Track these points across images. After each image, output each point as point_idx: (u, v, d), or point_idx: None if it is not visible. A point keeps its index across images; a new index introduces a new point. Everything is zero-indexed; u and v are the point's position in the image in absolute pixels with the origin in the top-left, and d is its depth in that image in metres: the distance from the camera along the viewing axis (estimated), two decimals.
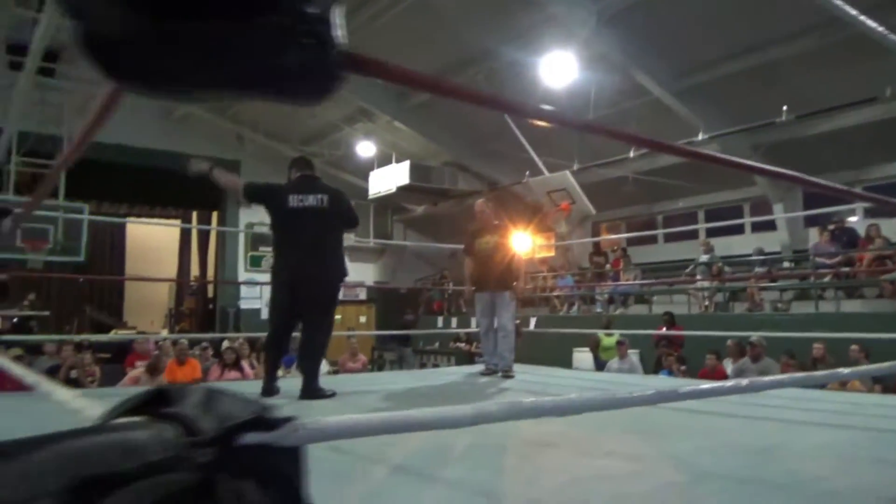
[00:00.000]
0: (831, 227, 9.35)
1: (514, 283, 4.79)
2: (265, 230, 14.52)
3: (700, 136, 9.36)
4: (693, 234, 12.84)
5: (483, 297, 4.89)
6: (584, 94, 9.55)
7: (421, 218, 16.98)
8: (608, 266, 12.76)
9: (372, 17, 9.27)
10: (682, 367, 7.17)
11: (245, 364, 7.07)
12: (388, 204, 16.54)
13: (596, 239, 14.13)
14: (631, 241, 13.50)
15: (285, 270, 3.75)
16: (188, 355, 6.81)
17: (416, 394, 4.12)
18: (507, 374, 4.77)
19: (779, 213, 11.00)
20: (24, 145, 10.93)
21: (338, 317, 16.97)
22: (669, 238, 12.85)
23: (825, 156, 10.07)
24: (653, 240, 13.27)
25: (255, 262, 14.92)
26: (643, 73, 8.95)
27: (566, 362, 10.29)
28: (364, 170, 14.32)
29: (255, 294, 14.90)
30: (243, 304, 14.70)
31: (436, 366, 13.20)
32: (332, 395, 3.72)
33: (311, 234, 3.70)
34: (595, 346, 8.60)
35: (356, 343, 9.21)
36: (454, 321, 13.97)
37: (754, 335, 6.02)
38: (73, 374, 6.04)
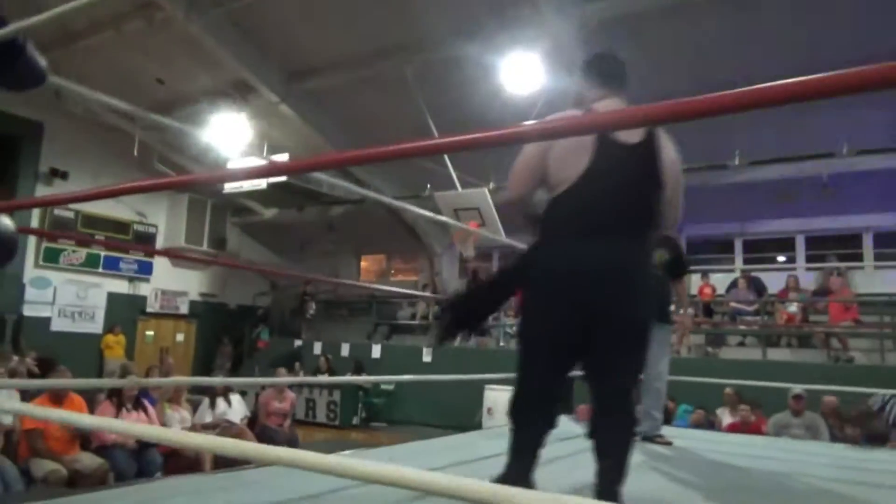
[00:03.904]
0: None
1: (677, 313, 3.59)
2: (68, 214, 11.15)
3: None
4: None
5: None
6: (532, 102, 8.69)
7: (263, 224, 14.64)
8: None
9: None
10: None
11: (147, 403, 4.75)
12: (228, 203, 14.01)
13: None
14: None
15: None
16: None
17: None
18: (657, 440, 3.49)
19: None
20: None
21: (150, 333, 13.73)
22: None
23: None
24: None
25: (50, 257, 11.41)
26: None
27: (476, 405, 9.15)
28: (210, 157, 11.78)
29: (47, 298, 11.39)
30: (27, 311, 11.09)
31: None
32: None
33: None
34: None
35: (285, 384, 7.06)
36: (318, 346, 12.04)
37: (797, 387, 5.48)
38: None
